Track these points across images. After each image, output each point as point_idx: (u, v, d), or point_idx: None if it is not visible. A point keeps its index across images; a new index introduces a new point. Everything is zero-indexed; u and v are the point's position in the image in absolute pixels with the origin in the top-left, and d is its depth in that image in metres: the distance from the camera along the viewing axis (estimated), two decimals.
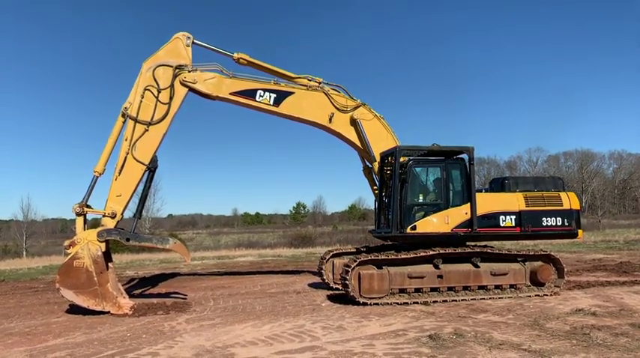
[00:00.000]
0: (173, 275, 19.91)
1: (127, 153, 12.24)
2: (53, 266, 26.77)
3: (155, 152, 12.54)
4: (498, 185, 12.72)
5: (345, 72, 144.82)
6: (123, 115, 12.38)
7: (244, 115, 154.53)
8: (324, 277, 13.79)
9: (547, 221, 12.03)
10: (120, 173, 12.19)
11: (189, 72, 12.76)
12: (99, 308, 11.25)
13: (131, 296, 13.91)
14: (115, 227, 11.99)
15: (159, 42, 13.10)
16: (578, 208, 12.40)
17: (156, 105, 12.48)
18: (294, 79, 13.98)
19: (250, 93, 13.34)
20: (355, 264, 11.06)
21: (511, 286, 11.81)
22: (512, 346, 7.38)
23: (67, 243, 11.63)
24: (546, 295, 11.74)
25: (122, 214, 12.33)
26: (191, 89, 12.96)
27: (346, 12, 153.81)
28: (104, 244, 11.64)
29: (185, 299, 13.11)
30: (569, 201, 12.28)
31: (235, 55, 13.70)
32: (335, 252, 14.16)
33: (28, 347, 8.36)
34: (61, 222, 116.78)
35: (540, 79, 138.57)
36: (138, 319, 10.53)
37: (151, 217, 66.25)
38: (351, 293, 10.95)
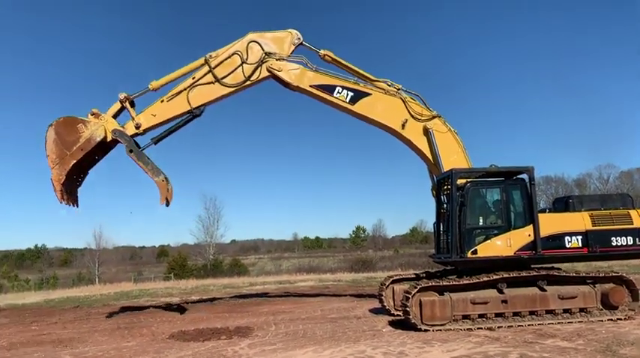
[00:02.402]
0: (236, 299, 20.32)
1: (185, 89, 13.31)
2: (124, 292, 27.91)
3: (206, 104, 13.53)
4: (562, 204, 12.30)
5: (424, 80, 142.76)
6: (204, 61, 13.46)
7: (304, 140, 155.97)
8: (385, 303, 13.65)
9: (616, 240, 11.50)
10: (168, 100, 13.32)
11: (276, 60, 13.60)
12: (49, 165, 12.26)
13: (196, 320, 14.36)
14: (131, 136, 13.01)
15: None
16: None
17: (234, 70, 13.53)
18: (373, 82, 14.29)
19: (329, 89, 13.88)
20: (416, 290, 10.91)
21: (581, 310, 11.27)
22: None
23: (93, 110, 12.78)
24: (620, 319, 11.11)
25: (144, 131, 13.35)
26: (274, 76, 13.88)
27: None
28: (111, 139, 12.72)
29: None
30: None
31: (322, 52, 14.33)
32: (395, 277, 14.02)
33: None
34: (131, 249, 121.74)
35: (608, 89, 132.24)
36: (202, 344, 10.81)
37: (215, 243, 68.09)
38: (413, 321, 10.79)
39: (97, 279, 61.10)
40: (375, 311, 14.48)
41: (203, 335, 11.74)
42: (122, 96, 13.15)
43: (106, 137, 12.71)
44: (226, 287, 27.76)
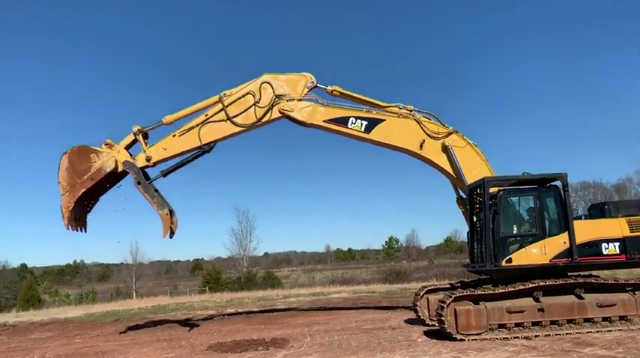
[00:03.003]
0: (271, 311, 20.53)
1: (197, 125, 13.70)
2: (161, 306, 28.42)
3: (217, 141, 13.89)
4: (598, 211, 12.15)
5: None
6: (218, 98, 13.86)
7: (333, 152, 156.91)
8: (420, 313, 13.62)
9: None
10: (180, 135, 13.73)
11: (287, 101, 13.84)
12: (60, 191, 12.83)
13: (232, 332, 14.60)
14: (141, 168, 13.49)
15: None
16: None
17: (246, 109, 13.87)
18: (385, 108, 14.41)
19: (343, 121, 14.06)
20: (450, 299, 10.89)
21: (621, 318, 11.05)
22: None
23: (107, 140, 13.37)
24: None
25: (155, 164, 13.78)
26: (287, 117, 14.13)
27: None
28: (121, 170, 13.23)
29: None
30: None
31: (329, 88, 14.52)
32: (429, 288, 14.00)
33: None
34: (166, 264, 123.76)
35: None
36: (240, 355, 11.02)
37: (248, 256, 68.62)
38: (448, 330, 10.77)
39: (134, 293, 62.26)
40: (409, 321, 14.47)
41: (240, 346, 11.96)
42: (136, 129, 13.67)
43: (116, 168, 13.24)
44: (260, 300, 28.02)
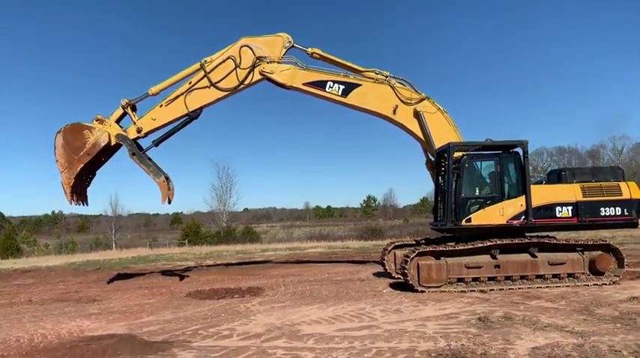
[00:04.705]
0: (248, 264, 21.43)
1: (182, 94, 14.19)
2: (141, 257, 29.23)
3: (202, 107, 14.35)
4: (555, 176, 12.95)
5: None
6: (200, 65, 14.23)
7: (314, 110, 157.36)
8: (387, 267, 14.55)
9: (605, 211, 12.15)
10: (167, 104, 14.22)
11: (267, 63, 14.22)
12: (59, 169, 13.36)
13: (210, 281, 15.42)
14: (134, 140, 13.98)
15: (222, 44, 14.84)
16: (639, 197, 12.43)
17: (228, 74, 14.31)
18: (362, 73, 14.94)
19: (321, 84, 14.58)
20: (414, 254, 11.79)
21: (569, 275, 12.04)
22: (556, 328, 7.90)
23: (98, 116, 13.78)
24: (605, 284, 11.88)
25: (146, 134, 14.27)
26: (267, 78, 14.55)
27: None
28: (114, 142, 13.71)
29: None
30: (630, 190, 12.31)
31: (309, 50, 14.97)
32: (397, 243, 14.89)
33: (126, 322, 9.79)
34: (145, 216, 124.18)
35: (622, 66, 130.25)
36: (217, 301, 11.83)
37: (228, 211, 69.36)
38: (410, 282, 11.70)
39: (113, 245, 62.91)
40: (377, 274, 15.42)
41: (218, 294, 12.79)
42: (124, 102, 14.01)
43: (110, 141, 13.61)
44: (239, 253, 28.95)
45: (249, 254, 28.26)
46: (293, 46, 14.72)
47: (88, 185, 14.55)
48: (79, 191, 14.08)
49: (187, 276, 17.34)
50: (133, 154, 13.68)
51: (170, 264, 23.19)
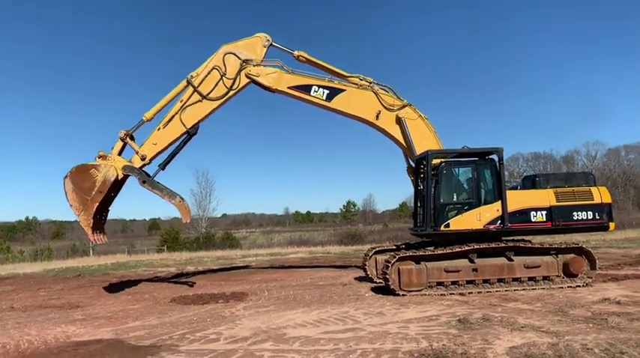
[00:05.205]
0: (230, 269, 21.52)
1: (176, 113, 14.19)
2: (120, 263, 29.04)
3: (199, 121, 14.39)
4: (530, 182, 13.40)
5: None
6: (187, 82, 14.28)
7: (294, 115, 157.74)
8: (368, 272, 14.83)
9: (578, 215, 12.63)
10: (164, 126, 14.20)
11: (254, 66, 14.43)
12: (75, 213, 13.18)
13: (193, 287, 15.52)
14: (140, 168, 13.90)
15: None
16: (610, 202, 12.91)
17: (217, 84, 14.38)
18: (346, 78, 15.24)
19: (306, 88, 14.84)
20: (395, 259, 12.11)
21: (544, 278, 12.48)
22: (532, 328, 8.26)
23: (100, 153, 13.64)
24: (578, 286, 12.34)
25: (150, 160, 14.23)
26: (253, 81, 14.74)
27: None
28: (122, 175, 13.60)
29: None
30: (600, 195, 12.81)
31: (295, 53, 15.22)
32: (377, 249, 15.20)
33: (112, 327, 9.88)
34: (122, 222, 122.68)
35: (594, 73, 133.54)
36: (202, 306, 11.96)
37: (207, 216, 69.09)
38: (392, 286, 12.01)
39: (91, 251, 62.00)
40: (359, 279, 15.70)
41: (202, 299, 12.92)
42: (122, 133, 13.95)
43: (118, 175, 13.53)
44: (220, 259, 28.97)
45: (229, 260, 28.31)
46: (272, 45, 14.91)
47: (104, 222, 14.42)
48: (97, 229, 13.95)
49: (171, 282, 17.39)
50: (144, 182, 13.60)
51: (151, 270, 23.12)
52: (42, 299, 14.64)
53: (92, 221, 13.33)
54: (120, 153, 14.00)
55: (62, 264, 32.96)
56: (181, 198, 13.70)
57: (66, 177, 13.28)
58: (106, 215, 14.47)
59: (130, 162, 13.92)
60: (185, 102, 14.18)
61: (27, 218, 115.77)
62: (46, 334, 9.49)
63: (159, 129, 14.19)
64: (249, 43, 14.73)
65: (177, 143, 14.49)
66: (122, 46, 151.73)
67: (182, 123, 14.10)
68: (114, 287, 16.63)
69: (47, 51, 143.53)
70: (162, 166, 14.40)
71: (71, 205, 13.28)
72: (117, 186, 13.82)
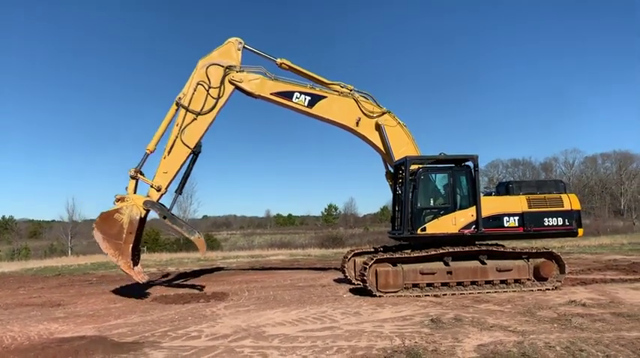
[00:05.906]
0: (211, 271, 21.71)
1: (177, 137, 14.28)
2: (100, 263, 28.94)
3: (200, 138, 14.51)
4: (503, 189, 13.89)
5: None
6: (177, 104, 14.40)
7: (277, 119, 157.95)
8: (347, 274, 15.18)
9: (548, 221, 13.14)
10: (168, 153, 14.29)
11: (237, 72, 14.74)
12: (114, 259, 13.16)
13: (175, 287, 15.71)
14: (158, 200, 14.00)
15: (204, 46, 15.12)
16: (579, 208, 13.44)
17: (206, 98, 14.53)
18: (328, 85, 15.60)
19: (288, 95, 15.12)
20: (372, 261, 12.50)
21: (515, 281, 12.93)
22: (500, 328, 8.69)
23: (117, 196, 13.62)
24: (548, 289, 12.84)
25: (166, 189, 14.29)
26: (237, 87, 14.97)
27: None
28: (145, 212, 13.62)
29: (201, 290, 14.84)
30: (570, 202, 13.35)
31: (278, 61, 15.51)
32: (356, 251, 15.56)
33: (95, 325, 10.08)
34: None
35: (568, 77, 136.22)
36: (183, 305, 12.21)
37: (188, 218, 68.72)
38: (369, 288, 12.40)
39: (69, 251, 61.52)
40: (338, 280, 16.05)
41: (183, 298, 13.16)
42: (132, 172, 13.92)
43: (141, 213, 13.54)
44: (200, 260, 29.03)
45: (210, 261, 28.43)
46: (245, 47, 15.09)
47: (139, 260, 14.29)
48: (137, 268, 13.89)
49: (152, 282, 17.54)
50: (164, 217, 13.68)
51: None
52: (22, 297, 14.72)
53: (131, 263, 13.32)
54: (135, 191, 14.04)
55: (41, 263, 32.76)
56: (199, 233, 13.87)
57: (93, 228, 13.30)
58: (139, 254, 14.42)
59: (147, 196, 13.96)
60: (182, 125, 14.28)
61: (3, 217, 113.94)
62: (28, 331, 9.66)
63: (165, 157, 14.24)
64: (223, 51, 14.88)
65: (187, 164, 14.60)
66: (120, 45, 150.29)
67: (185, 145, 14.18)
68: (95, 287, 16.75)
69: None
70: (179, 191, 14.56)
71: (107, 253, 13.23)
72: (142, 222, 13.86)
